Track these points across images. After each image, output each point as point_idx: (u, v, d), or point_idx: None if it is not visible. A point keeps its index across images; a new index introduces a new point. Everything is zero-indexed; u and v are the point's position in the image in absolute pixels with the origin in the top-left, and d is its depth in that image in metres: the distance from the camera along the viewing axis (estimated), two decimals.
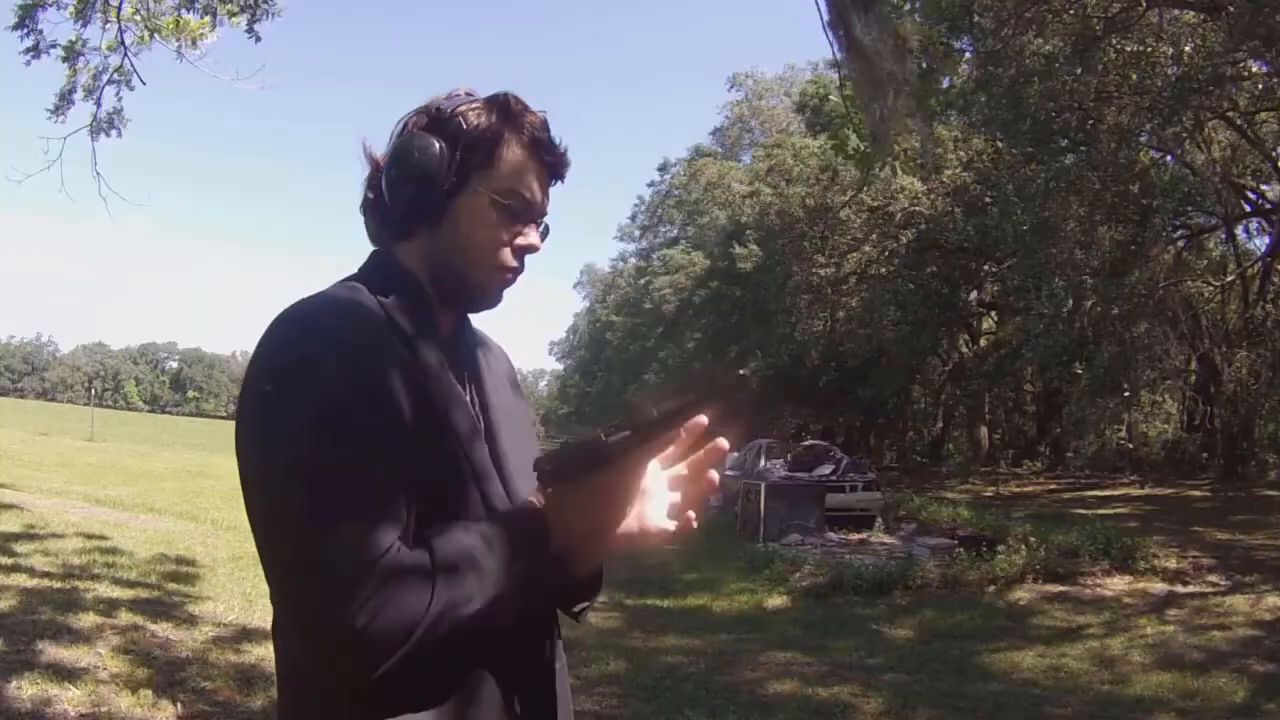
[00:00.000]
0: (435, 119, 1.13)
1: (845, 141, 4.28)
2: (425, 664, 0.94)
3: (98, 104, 7.87)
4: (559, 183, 1.19)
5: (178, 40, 7.62)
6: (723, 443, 1.08)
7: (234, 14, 7.65)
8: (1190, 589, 8.60)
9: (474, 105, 1.14)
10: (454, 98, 1.16)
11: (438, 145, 1.10)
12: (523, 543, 1.02)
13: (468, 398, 1.13)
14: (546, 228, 1.19)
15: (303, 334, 1.01)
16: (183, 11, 7.62)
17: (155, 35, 7.60)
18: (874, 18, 3.74)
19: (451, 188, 1.11)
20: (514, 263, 1.15)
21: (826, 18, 3.69)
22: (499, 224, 1.13)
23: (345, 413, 0.96)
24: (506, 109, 1.14)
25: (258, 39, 7.67)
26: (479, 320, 1.25)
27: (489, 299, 1.16)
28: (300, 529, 0.93)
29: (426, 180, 1.10)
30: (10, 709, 3.58)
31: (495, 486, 1.10)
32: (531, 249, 1.16)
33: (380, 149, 1.17)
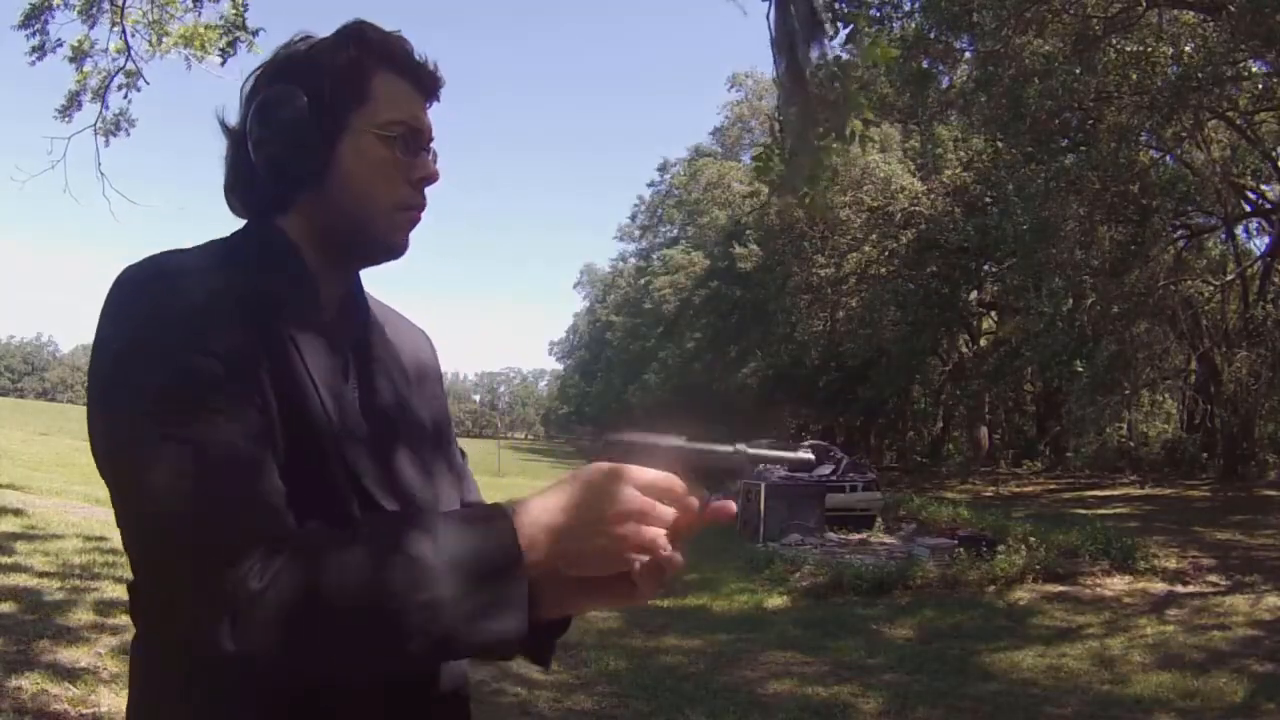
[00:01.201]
0: (287, 67, 1.00)
1: (768, 163, 4.29)
2: (301, 676, 0.82)
3: (104, 105, 7.93)
4: (435, 102, 1.06)
5: (186, 49, 7.68)
6: (731, 506, 0.90)
7: (207, 47, 7.73)
8: (1190, 589, 8.61)
9: (326, 42, 1.02)
10: (299, 41, 1.03)
11: (300, 94, 0.96)
12: (479, 536, 0.83)
13: (349, 387, 0.98)
14: (435, 154, 1.06)
15: (149, 297, 0.89)
16: (187, 19, 7.68)
17: (164, 39, 7.65)
18: (817, 45, 3.76)
19: (328, 136, 0.98)
20: (417, 198, 1.03)
21: (773, 36, 3.71)
22: (392, 160, 1.00)
23: (197, 384, 0.84)
24: (363, 37, 1.02)
25: (223, 61, 7.80)
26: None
27: (397, 247, 1.02)
28: (160, 507, 0.81)
29: (299, 134, 0.96)
30: (11, 709, 3.58)
31: (374, 493, 0.94)
32: (431, 178, 1.03)
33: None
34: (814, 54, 3.77)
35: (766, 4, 3.74)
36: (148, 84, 7.97)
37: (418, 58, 1.04)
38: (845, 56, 4.41)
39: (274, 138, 0.96)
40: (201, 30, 7.66)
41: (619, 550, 0.83)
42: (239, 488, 0.82)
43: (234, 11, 7.60)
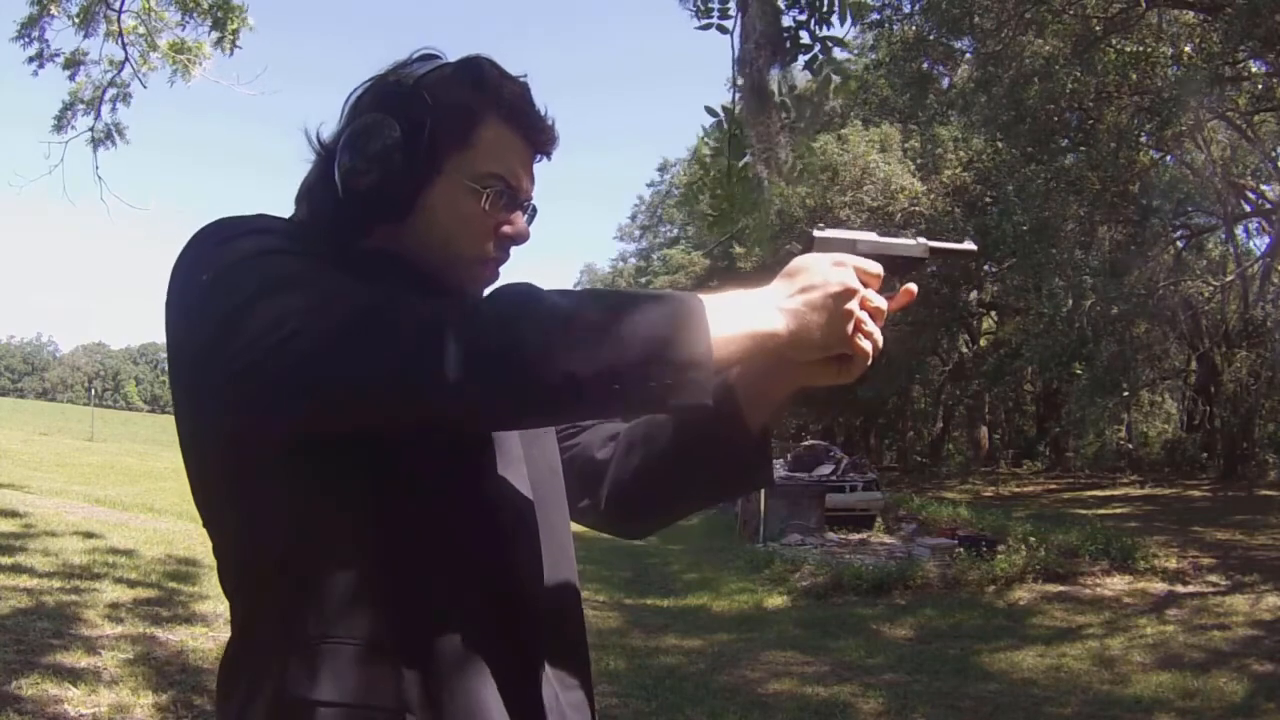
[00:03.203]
0: (394, 93, 0.95)
1: (696, 199, 4.27)
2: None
3: (97, 116, 7.96)
4: (545, 159, 1.02)
5: (174, 64, 7.72)
6: (913, 289, 0.99)
7: (190, 67, 7.77)
8: (1190, 589, 8.61)
9: (442, 75, 0.96)
10: (414, 64, 0.98)
11: (398, 129, 0.92)
12: (656, 297, 0.82)
13: None
14: (534, 210, 1.02)
15: (251, 222, 0.89)
16: (179, 31, 7.71)
17: (155, 53, 7.69)
18: (778, 68, 3.74)
19: (419, 178, 0.94)
20: (499, 254, 0.99)
21: (737, 54, 3.69)
22: (479, 214, 0.96)
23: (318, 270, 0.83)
24: (481, 78, 0.97)
25: (231, 51, 7.84)
26: None
27: (468, 296, 0.98)
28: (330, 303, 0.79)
29: (387, 170, 0.92)
30: (13, 710, 3.59)
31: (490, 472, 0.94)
32: (520, 238, 1.00)
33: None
34: (774, 75, 3.72)
35: (733, 22, 3.72)
36: (144, 88, 8.03)
37: (535, 110, 0.99)
38: (810, 80, 4.33)
39: (361, 170, 0.93)
40: (190, 45, 7.70)
41: (843, 328, 0.89)
42: (393, 291, 0.82)
43: (229, 31, 7.62)
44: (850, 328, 0.89)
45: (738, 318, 0.84)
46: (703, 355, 0.79)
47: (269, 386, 0.77)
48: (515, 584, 0.93)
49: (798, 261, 0.90)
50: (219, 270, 0.83)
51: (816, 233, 0.95)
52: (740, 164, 3.91)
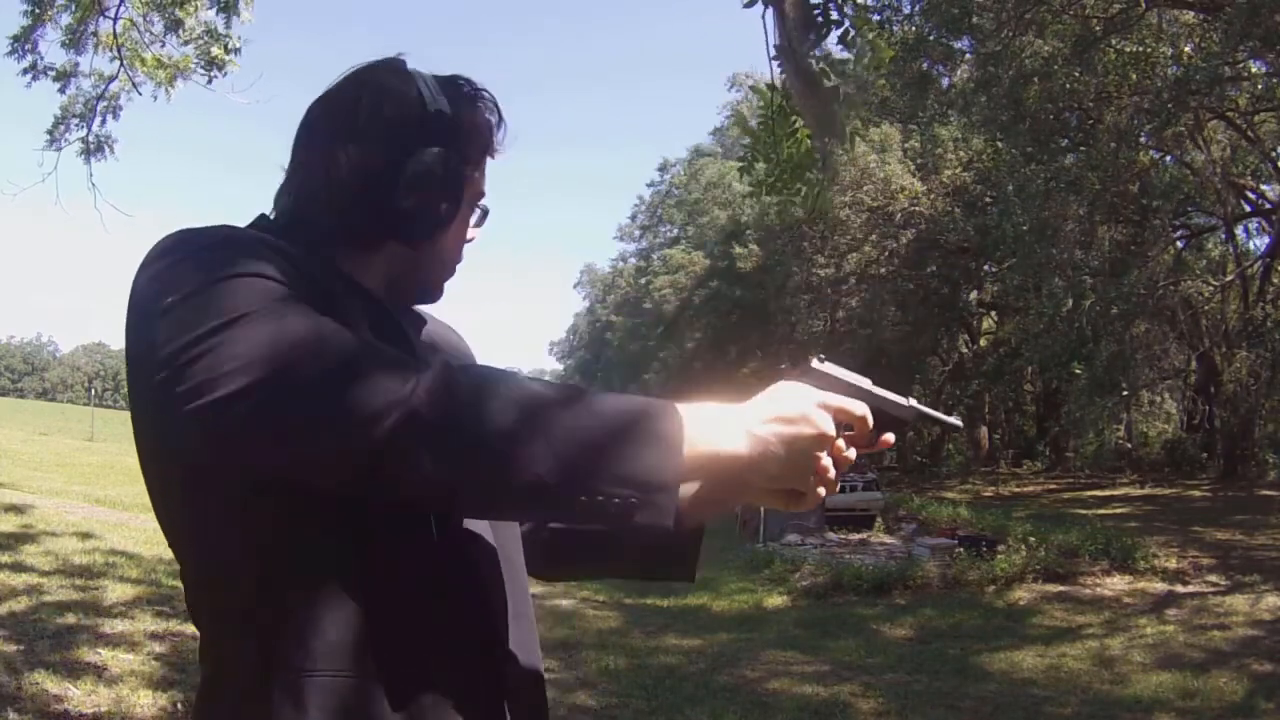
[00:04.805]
0: (419, 116, 0.95)
1: (752, 167, 4.29)
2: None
3: (89, 127, 7.97)
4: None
5: (156, 84, 7.74)
6: (889, 438, 0.97)
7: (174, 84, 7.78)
8: (1190, 589, 8.61)
9: (458, 95, 0.99)
10: (407, 76, 0.98)
11: (450, 159, 0.95)
12: (621, 402, 0.81)
13: None
14: (486, 211, 1.06)
15: (205, 233, 0.84)
16: (162, 46, 7.71)
17: (138, 67, 7.70)
18: (817, 47, 3.77)
19: (460, 203, 0.97)
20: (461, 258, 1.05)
21: (776, 42, 3.70)
22: (467, 230, 1.03)
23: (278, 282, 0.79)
24: (477, 96, 1.00)
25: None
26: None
27: (437, 297, 1.04)
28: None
29: (446, 195, 0.96)
30: (15, 708, 3.59)
31: None
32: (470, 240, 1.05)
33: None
34: (815, 53, 3.78)
35: (762, 9, 3.74)
36: (140, 94, 8.01)
37: (503, 122, 1.03)
38: (844, 54, 4.41)
39: (419, 192, 0.94)
40: (177, 61, 7.70)
41: (805, 471, 0.87)
42: (361, 344, 0.77)
43: (220, 47, 7.62)
44: (812, 473, 0.88)
45: (708, 435, 0.82)
46: (672, 480, 0.78)
47: (225, 433, 0.74)
48: (490, 617, 0.91)
49: (785, 388, 0.89)
50: (192, 289, 0.78)
51: (815, 364, 0.94)
52: (791, 130, 3.93)
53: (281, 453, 0.75)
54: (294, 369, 0.74)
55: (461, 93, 1.00)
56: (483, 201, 1.05)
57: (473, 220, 1.03)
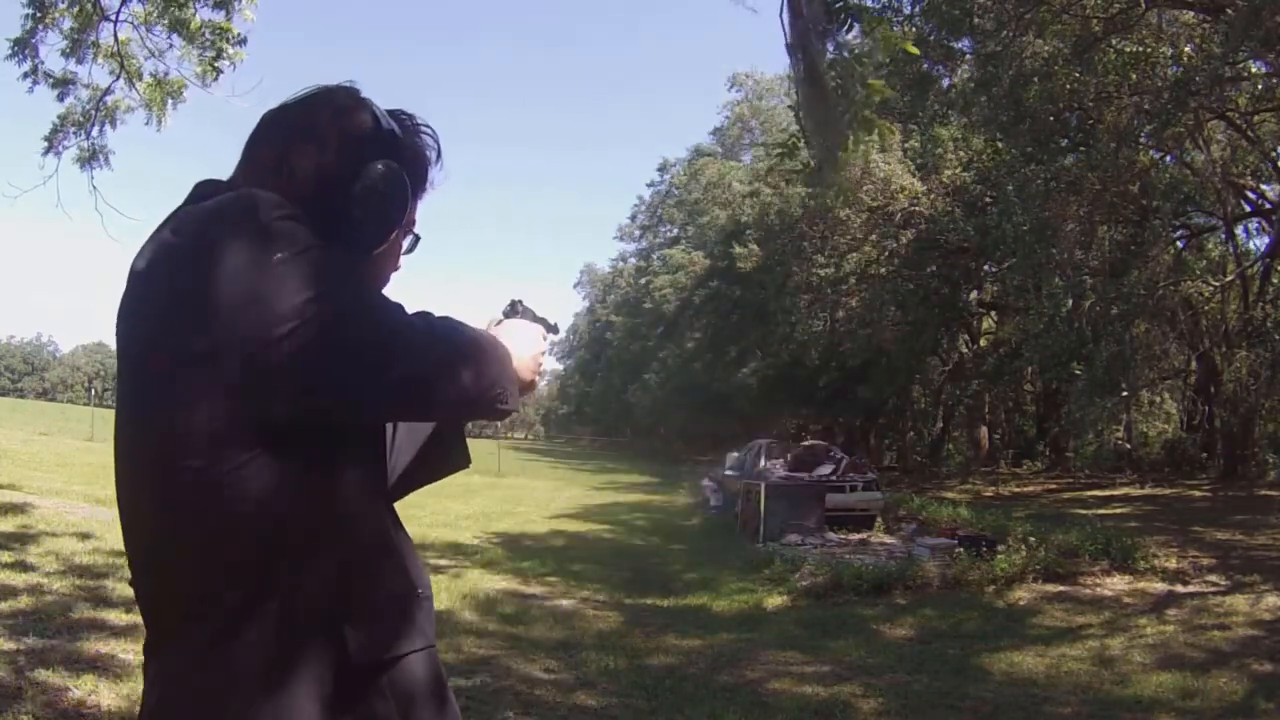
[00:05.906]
0: (377, 137, 1.07)
1: (794, 150, 4.33)
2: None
3: (88, 136, 7.99)
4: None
5: (148, 109, 7.77)
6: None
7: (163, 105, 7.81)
8: (1190, 589, 8.61)
9: (419, 134, 1.13)
10: (397, 116, 1.12)
11: (407, 183, 1.07)
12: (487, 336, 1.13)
13: None
14: (418, 239, 1.21)
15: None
16: (157, 65, 7.73)
17: (134, 85, 7.73)
18: (831, 40, 3.79)
19: (396, 224, 1.09)
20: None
21: (789, 38, 3.71)
22: (398, 256, 1.16)
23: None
24: (431, 138, 1.15)
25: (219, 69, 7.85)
26: None
27: None
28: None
29: (384, 209, 1.06)
30: (18, 706, 3.59)
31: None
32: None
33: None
34: (829, 48, 3.79)
35: (780, 4, 3.74)
36: (135, 110, 8.04)
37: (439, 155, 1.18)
38: (859, 46, 4.42)
39: (365, 205, 1.04)
40: (173, 80, 7.73)
41: (539, 369, 1.28)
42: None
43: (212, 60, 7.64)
44: (537, 371, 1.26)
45: (516, 352, 1.17)
46: (515, 378, 1.14)
47: (361, 380, 0.95)
48: (415, 562, 1.14)
49: (522, 325, 1.27)
50: (296, 254, 0.92)
51: (520, 308, 1.35)
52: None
53: (418, 390, 1.03)
54: (413, 327, 1.00)
55: (406, 124, 1.12)
56: (415, 229, 1.19)
57: (404, 246, 1.16)
